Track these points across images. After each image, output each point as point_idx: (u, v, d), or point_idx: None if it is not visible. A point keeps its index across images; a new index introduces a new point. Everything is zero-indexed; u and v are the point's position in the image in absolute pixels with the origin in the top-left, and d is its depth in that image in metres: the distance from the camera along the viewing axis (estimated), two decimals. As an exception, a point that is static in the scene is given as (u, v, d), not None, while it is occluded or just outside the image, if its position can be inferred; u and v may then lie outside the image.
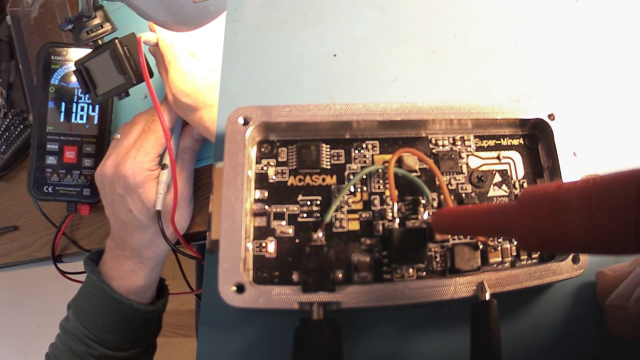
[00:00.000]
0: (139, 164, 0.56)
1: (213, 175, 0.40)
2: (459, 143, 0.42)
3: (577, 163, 0.41)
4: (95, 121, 0.68)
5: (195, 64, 0.53)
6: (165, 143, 0.58)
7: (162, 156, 0.59)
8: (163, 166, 0.58)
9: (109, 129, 0.69)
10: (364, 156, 0.41)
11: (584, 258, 0.39)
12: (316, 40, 0.49)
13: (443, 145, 0.42)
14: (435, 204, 0.41)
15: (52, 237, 0.72)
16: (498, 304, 0.36)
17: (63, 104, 0.67)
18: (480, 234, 0.39)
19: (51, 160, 0.67)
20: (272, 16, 0.50)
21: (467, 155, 0.42)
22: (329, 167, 0.41)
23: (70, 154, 0.67)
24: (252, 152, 0.41)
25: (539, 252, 0.41)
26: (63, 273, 0.73)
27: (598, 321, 0.42)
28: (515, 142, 0.43)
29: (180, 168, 0.59)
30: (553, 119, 0.42)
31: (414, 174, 0.41)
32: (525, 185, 0.42)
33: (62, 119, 0.67)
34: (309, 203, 0.40)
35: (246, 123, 0.39)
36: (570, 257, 0.39)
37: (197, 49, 0.54)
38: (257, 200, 0.40)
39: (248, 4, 0.50)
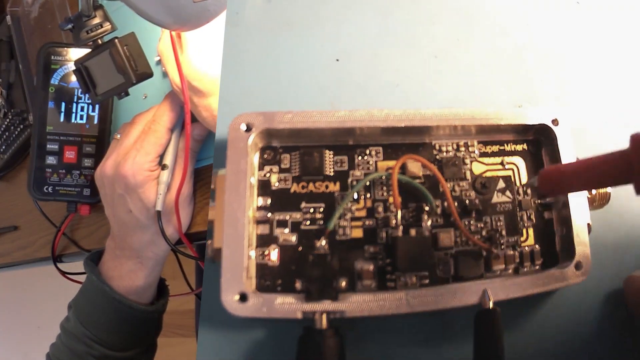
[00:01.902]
0: (139, 164, 0.56)
1: (215, 182, 0.39)
2: (462, 149, 0.42)
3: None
4: (95, 121, 0.68)
5: (211, 50, 0.52)
6: (165, 144, 0.58)
7: (162, 156, 0.58)
8: (163, 166, 0.58)
9: (109, 129, 0.69)
10: (368, 163, 0.41)
11: (586, 264, 0.39)
12: (318, 45, 0.49)
13: (447, 152, 0.42)
14: (439, 210, 0.41)
15: (52, 237, 0.72)
16: (501, 312, 0.36)
17: (63, 104, 0.67)
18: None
19: (51, 160, 0.67)
20: (273, 21, 0.49)
21: (471, 162, 0.42)
22: (332, 174, 0.41)
23: (70, 154, 0.67)
24: (255, 158, 0.40)
25: (542, 259, 0.41)
26: (63, 273, 0.73)
27: (602, 327, 0.42)
28: (519, 147, 0.43)
29: (180, 168, 0.59)
30: (557, 124, 0.42)
31: (418, 180, 0.41)
32: (529, 191, 0.42)
33: (62, 119, 0.67)
34: (312, 210, 0.40)
35: (248, 129, 0.39)
36: (574, 263, 0.39)
37: (212, 42, 0.53)
38: (259, 208, 0.40)
39: (249, 8, 0.50)
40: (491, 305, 0.37)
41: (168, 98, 0.58)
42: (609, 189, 0.42)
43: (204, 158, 0.63)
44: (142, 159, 0.56)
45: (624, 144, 0.46)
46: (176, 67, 0.52)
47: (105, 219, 0.62)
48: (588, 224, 0.40)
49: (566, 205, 0.40)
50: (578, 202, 0.40)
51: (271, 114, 0.39)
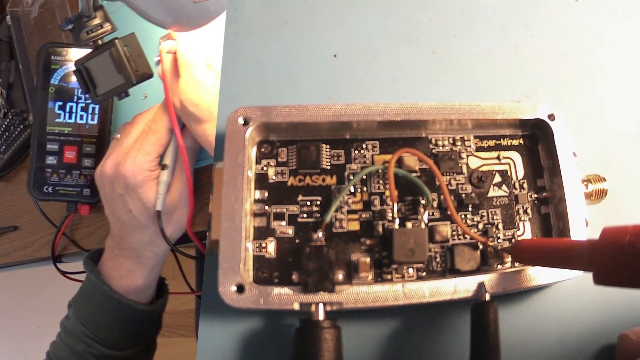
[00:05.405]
0: (139, 164, 0.55)
1: (213, 176, 0.40)
2: (459, 143, 0.42)
3: (577, 163, 0.41)
4: (95, 121, 0.68)
5: (210, 75, 0.52)
6: (166, 144, 0.58)
7: (162, 156, 0.58)
8: (163, 166, 0.58)
9: (109, 129, 0.69)
10: (364, 156, 0.42)
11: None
12: (316, 41, 0.49)
13: (443, 146, 0.42)
14: (435, 204, 0.41)
15: (52, 237, 0.72)
16: (498, 305, 0.36)
17: (63, 104, 0.67)
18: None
19: (51, 160, 0.67)
20: (272, 17, 0.50)
21: (467, 156, 0.42)
22: (328, 167, 0.41)
23: (70, 154, 0.67)
24: (252, 152, 0.41)
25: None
26: (63, 273, 0.73)
27: (597, 321, 0.42)
28: (515, 142, 0.43)
29: (180, 168, 0.59)
30: (553, 119, 0.42)
31: (414, 174, 0.41)
32: (525, 185, 0.42)
33: (62, 119, 0.67)
34: (308, 203, 0.40)
35: (246, 123, 0.39)
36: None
37: (213, 59, 0.53)
38: (257, 201, 0.40)
39: (248, 5, 0.50)
40: (487, 297, 0.37)
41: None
42: (605, 185, 0.42)
43: (204, 158, 0.63)
44: (142, 159, 0.56)
45: (619, 140, 0.47)
46: (172, 85, 0.53)
47: (105, 219, 0.62)
48: (585, 219, 0.40)
49: (563, 200, 0.40)
50: (575, 197, 0.40)
51: (268, 108, 0.40)
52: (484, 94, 0.48)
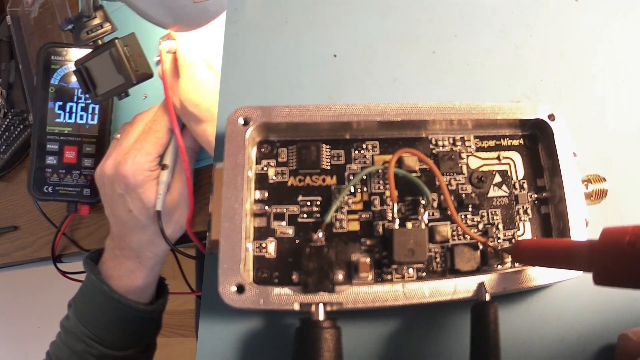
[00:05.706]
0: (139, 164, 0.55)
1: (213, 176, 0.40)
2: (459, 143, 0.42)
3: (577, 163, 0.41)
4: (95, 121, 0.68)
5: (209, 75, 0.52)
6: (166, 144, 0.58)
7: (162, 156, 0.58)
8: (163, 166, 0.58)
9: (109, 129, 0.69)
10: (364, 156, 0.42)
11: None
12: (316, 41, 0.49)
13: (443, 146, 0.42)
14: (435, 204, 0.41)
15: (52, 237, 0.72)
16: (498, 305, 0.36)
17: (63, 104, 0.67)
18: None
19: (51, 160, 0.67)
20: (272, 17, 0.50)
21: (467, 156, 0.42)
22: (329, 167, 0.41)
23: (70, 154, 0.67)
24: (252, 152, 0.41)
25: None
26: (63, 273, 0.73)
27: (597, 321, 0.42)
28: (515, 142, 0.43)
29: (180, 168, 0.59)
30: (553, 120, 0.42)
31: (414, 174, 0.41)
32: (525, 185, 0.42)
33: (62, 119, 0.67)
34: (309, 203, 0.40)
35: (246, 123, 0.39)
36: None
37: (213, 59, 0.53)
38: (257, 201, 0.40)
39: (248, 5, 0.50)
40: (487, 298, 0.37)
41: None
42: (605, 185, 0.42)
43: (204, 158, 0.63)
44: (142, 159, 0.56)
45: (619, 141, 0.47)
46: (172, 85, 0.53)
47: (105, 219, 0.62)
48: (585, 219, 0.40)
49: (563, 200, 0.40)
50: (575, 197, 0.40)
51: (269, 108, 0.40)
52: (484, 94, 0.48)
